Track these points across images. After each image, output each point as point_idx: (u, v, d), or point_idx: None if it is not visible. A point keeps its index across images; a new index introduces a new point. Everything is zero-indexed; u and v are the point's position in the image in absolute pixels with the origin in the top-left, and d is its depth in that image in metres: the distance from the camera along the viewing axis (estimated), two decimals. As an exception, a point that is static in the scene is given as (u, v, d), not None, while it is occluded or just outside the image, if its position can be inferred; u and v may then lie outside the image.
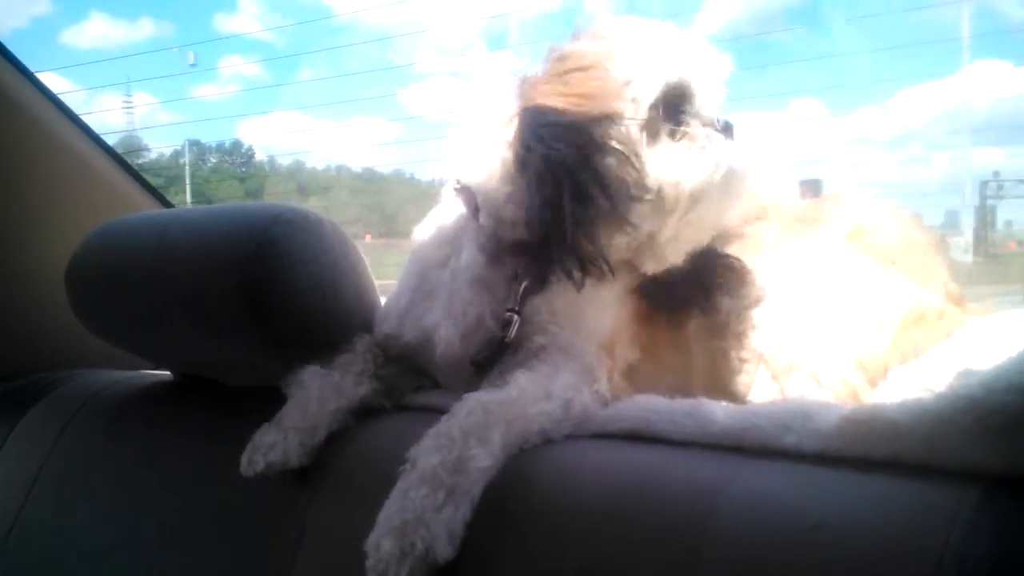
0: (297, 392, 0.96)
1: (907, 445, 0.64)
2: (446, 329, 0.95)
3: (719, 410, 0.77)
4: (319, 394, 0.95)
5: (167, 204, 1.57)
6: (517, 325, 0.91)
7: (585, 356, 0.89)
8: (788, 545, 0.62)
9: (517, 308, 0.92)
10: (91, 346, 1.29)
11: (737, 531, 0.64)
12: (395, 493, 0.75)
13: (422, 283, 1.01)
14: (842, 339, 0.86)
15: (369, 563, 0.72)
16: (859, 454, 0.66)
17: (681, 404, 0.79)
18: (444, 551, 0.72)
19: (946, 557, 0.56)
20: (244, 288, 0.96)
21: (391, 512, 0.74)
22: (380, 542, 0.72)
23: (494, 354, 0.92)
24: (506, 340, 0.91)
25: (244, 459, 0.91)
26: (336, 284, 1.03)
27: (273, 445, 0.91)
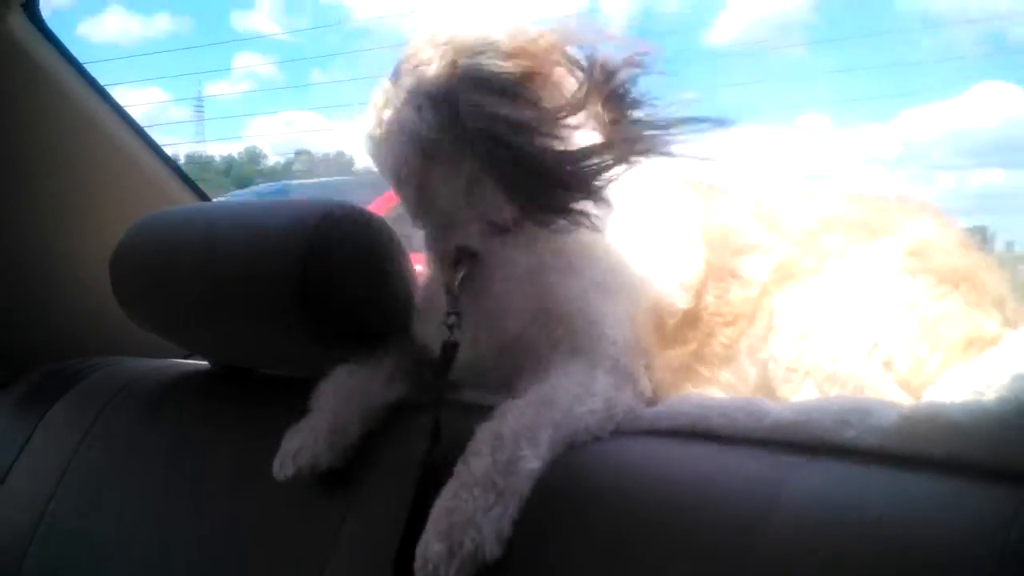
0: (326, 392, 0.96)
1: (967, 445, 0.65)
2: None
3: (774, 406, 0.77)
4: (347, 394, 0.95)
5: (206, 199, 1.59)
6: (457, 326, 0.91)
7: (613, 353, 0.90)
8: (848, 539, 0.62)
9: (457, 310, 0.92)
10: (125, 334, 1.30)
11: (797, 526, 0.65)
12: (445, 494, 0.76)
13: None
14: (891, 357, 0.85)
15: (417, 564, 0.72)
16: (918, 452, 0.67)
17: (735, 400, 0.80)
18: (493, 550, 0.72)
19: (1007, 554, 0.57)
20: (295, 283, 0.97)
21: (440, 514, 0.74)
22: (429, 544, 0.72)
23: (448, 359, 0.91)
24: (453, 341, 0.91)
25: (276, 463, 0.91)
26: (382, 281, 1.04)
27: (301, 449, 0.91)
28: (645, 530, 0.72)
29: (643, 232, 0.98)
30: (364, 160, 1.03)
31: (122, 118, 1.48)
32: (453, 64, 0.90)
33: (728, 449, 0.76)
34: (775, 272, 0.97)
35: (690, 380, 0.96)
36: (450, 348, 0.92)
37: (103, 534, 1.14)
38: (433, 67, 0.91)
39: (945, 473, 0.66)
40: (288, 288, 0.96)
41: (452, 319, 0.93)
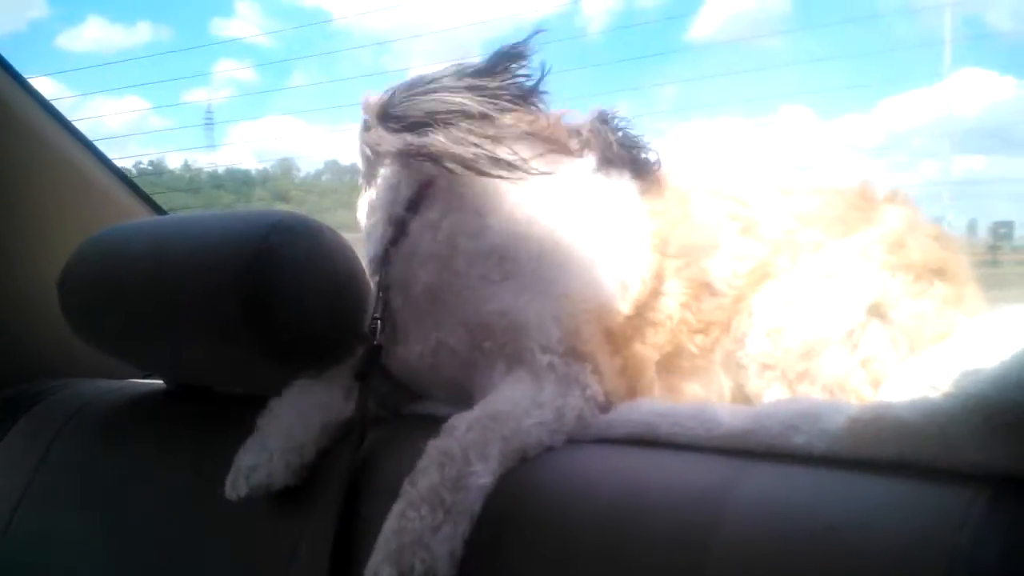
0: (279, 409, 0.94)
1: (917, 445, 0.64)
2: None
3: (725, 412, 0.76)
4: (302, 410, 0.93)
5: (161, 212, 1.56)
6: (382, 330, 0.94)
7: (549, 361, 0.87)
8: (799, 547, 0.61)
9: (377, 314, 0.94)
10: (80, 356, 1.27)
11: (747, 533, 0.64)
12: (392, 515, 0.74)
13: None
14: (869, 356, 0.85)
15: None
16: (868, 455, 0.66)
17: (686, 407, 0.79)
18: (445, 571, 0.70)
19: (958, 558, 0.56)
20: (242, 296, 0.94)
21: (388, 535, 0.72)
22: (379, 568, 0.70)
23: (370, 364, 0.92)
24: (376, 345, 0.92)
25: (228, 483, 0.89)
26: (335, 293, 1.02)
27: (255, 467, 0.89)
28: (595, 541, 0.71)
29: (582, 233, 0.96)
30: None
31: (70, 133, 1.45)
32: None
33: (677, 455, 0.75)
34: (750, 275, 0.96)
35: (656, 389, 0.94)
36: (373, 352, 0.92)
37: (62, 559, 1.11)
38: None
39: (896, 476, 0.65)
40: (235, 301, 0.94)
41: (375, 323, 0.93)
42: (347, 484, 0.84)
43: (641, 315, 0.94)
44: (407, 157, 0.96)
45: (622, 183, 1.02)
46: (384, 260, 0.99)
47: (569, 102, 1.09)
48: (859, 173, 1.06)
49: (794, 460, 0.69)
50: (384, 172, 1.03)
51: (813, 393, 0.84)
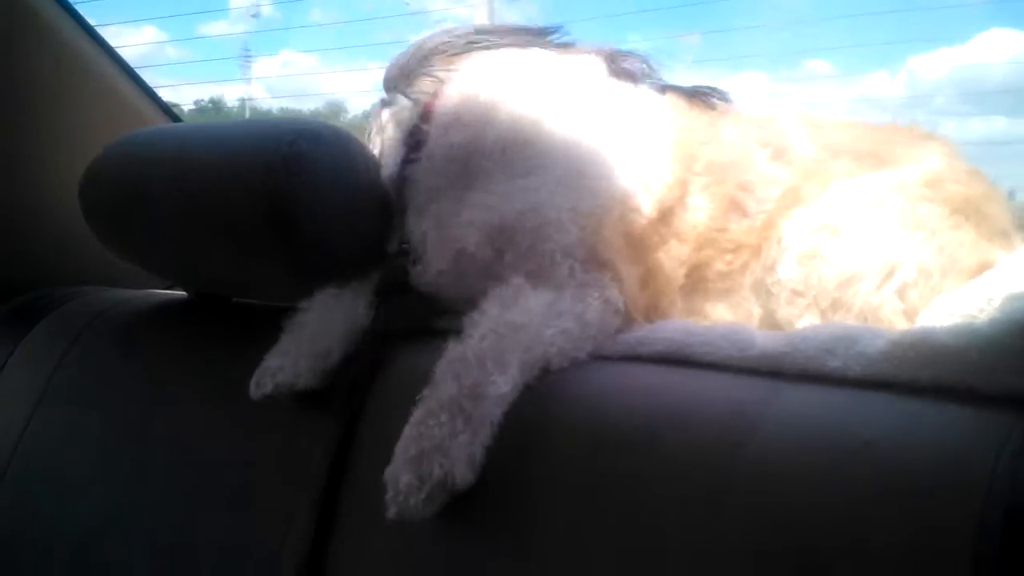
0: (307, 314, 0.94)
1: (957, 369, 0.63)
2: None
3: (758, 334, 0.75)
4: (330, 316, 0.93)
5: (179, 120, 1.54)
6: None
7: (570, 266, 0.86)
8: (833, 462, 0.60)
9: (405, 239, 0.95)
10: (100, 265, 1.27)
11: (780, 450, 0.63)
12: (411, 423, 0.73)
13: None
14: (904, 284, 0.82)
15: (388, 495, 0.70)
16: (907, 378, 0.65)
17: (718, 327, 0.78)
18: (464, 476, 0.70)
19: (996, 479, 0.55)
20: (268, 202, 0.93)
21: (407, 442, 0.72)
22: (398, 474, 0.70)
23: (391, 284, 0.94)
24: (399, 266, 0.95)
25: (252, 382, 0.89)
26: (362, 203, 1.00)
27: (281, 367, 0.89)
28: (623, 455, 0.70)
29: (599, 129, 0.95)
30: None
31: (93, 39, 1.42)
32: None
33: (709, 374, 0.74)
34: (780, 200, 0.93)
35: (682, 309, 0.93)
36: (394, 272, 0.93)
37: (80, 461, 1.12)
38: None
39: (934, 398, 0.64)
40: (258, 207, 0.93)
41: (401, 246, 0.94)
42: (353, 394, 0.87)
43: (664, 222, 0.93)
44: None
45: (646, 92, 1.02)
46: (402, 179, 0.98)
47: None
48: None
49: (830, 381, 0.69)
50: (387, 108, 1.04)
51: (847, 321, 0.83)
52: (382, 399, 0.89)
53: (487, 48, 1.02)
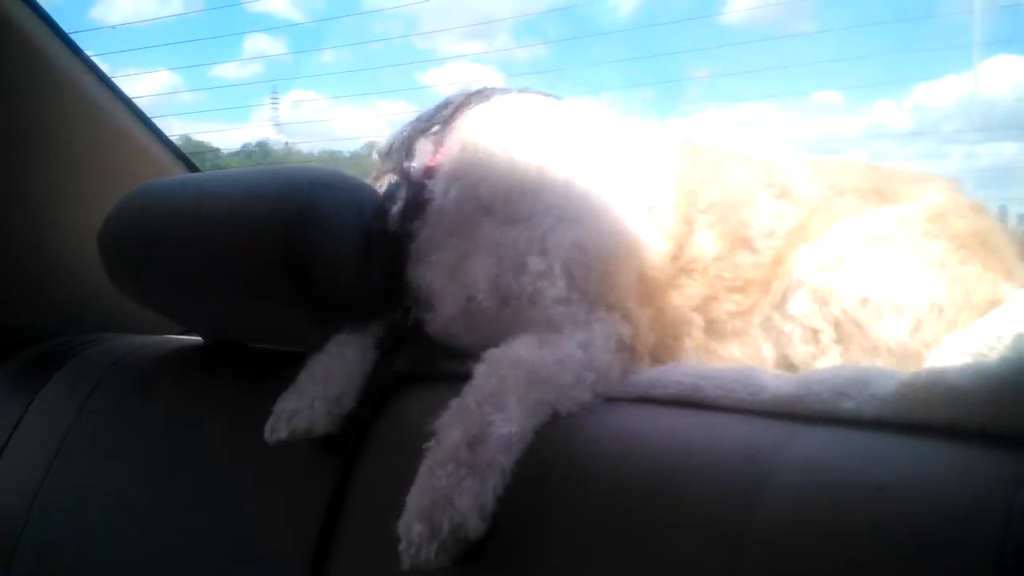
0: (321, 359, 0.95)
1: (969, 410, 0.63)
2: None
3: (770, 377, 0.75)
4: (344, 363, 0.94)
5: (196, 170, 1.57)
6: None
7: (578, 312, 0.87)
8: (848, 507, 0.60)
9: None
10: (118, 312, 1.29)
11: (796, 493, 0.63)
12: (421, 473, 0.74)
13: None
14: (919, 319, 0.83)
15: (402, 547, 0.71)
16: (919, 419, 0.65)
17: (730, 370, 0.78)
18: (475, 527, 0.70)
19: (1012, 520, 0.55)
20: (284, 251, 0.94)
21: (418, 493, 0.72)
22: (411, 525, 0.71)
23: (395, 338, 0.95)
24: (403, 321, 0.95)
25: (268, 426, 0.90)
26: (374, 251, 1.01)
27: (297, 412, 0.89)
28: (639, 501, 0.70)
29: (607, 173, 0.96)
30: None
31: (111, 90, 1.46)
32: None
33: (722, 417, 0.74)
34: (788, 236, 0.94)
35: (694, 351, 0.94)
36: (398, 326, 0.94)
37: (99, 509, 1.13)
38: None
39: (946, 440, 0.64)
40: (276, 256, 0.94)
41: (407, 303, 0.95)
42: (353, 435, 0.89)
43: (673, 260, 0.93)
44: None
45: (648, 133, 1.03)
46: (407, 231, 0.98)
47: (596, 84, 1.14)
48: (886, 158, 1.06)
49: (843, 424, 0.69)
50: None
51: (861, 358, 0.83)
52: (382, 441, 0.91)
53: (486, 100, 1.03)
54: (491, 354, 0.81)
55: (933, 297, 0.83)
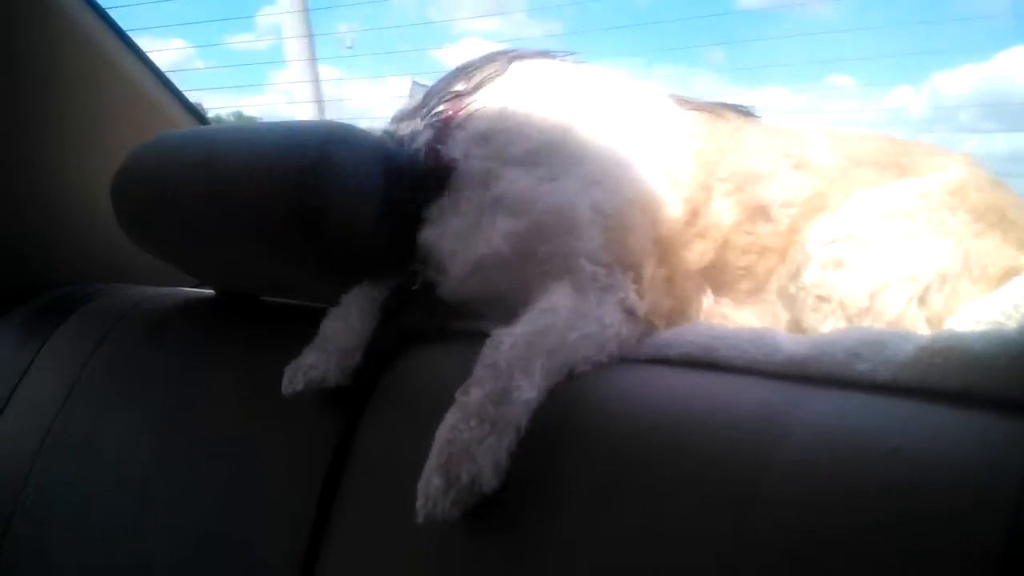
0: (337, 312, 0.96)
1: (986, 376, 0.63)
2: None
3: (785, 338, 0.75)
4: (357, 315, 0.95)
5: (206, 123, 1.57)
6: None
7: (590, 271, 0.87)
8: (862, 471, 0.60)
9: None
10: (130, 263, 1.29)
11: (808, 458, 0.63)
12: (443, 427, 0.75)
13: None
14: (927, 291, 0.83)
15: (419, 502, 0.71)
16: (935, 384, 0.65)
17: (745, 331, 0.78)
18: (489, 481, 0.71)
19: None
20: (296, 204, 0.94)
21: (440, 446, 0.73)
22: (430, 479, 0.72)
23: (421, 287, 0.94)
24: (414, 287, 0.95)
25: (285, 379, 0.91)
26: (388, 205, 1.01)
27: (314, 365, 0.91)
28: (650, 459, 0.70)
29: (629, 137, 0.96)
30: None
31: (123, 41, 1.45)
32: None
33: (736, 378, 0.74)
34: (805, 205, 0.94)
35: (707, 312, 0.94)
36: (407, 278, 0.94)
37: (105, 458, 1.14)
38: None
39: (963, 405, 0.63)
40: (288, 209, 0.93)
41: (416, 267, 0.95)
42: (358, 390, 0.90)
43: (690, 224, 0.94)
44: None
45: (668, 102, 1.03)
46: (424, 190, 0.98)
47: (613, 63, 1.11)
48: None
49: (857, 386, 0.68)
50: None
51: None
52: (387, 396, 0.92)
53: (509, 62, 1.03)
54: (526, 317, 0.82)
55: (945, 269, 0.83)
